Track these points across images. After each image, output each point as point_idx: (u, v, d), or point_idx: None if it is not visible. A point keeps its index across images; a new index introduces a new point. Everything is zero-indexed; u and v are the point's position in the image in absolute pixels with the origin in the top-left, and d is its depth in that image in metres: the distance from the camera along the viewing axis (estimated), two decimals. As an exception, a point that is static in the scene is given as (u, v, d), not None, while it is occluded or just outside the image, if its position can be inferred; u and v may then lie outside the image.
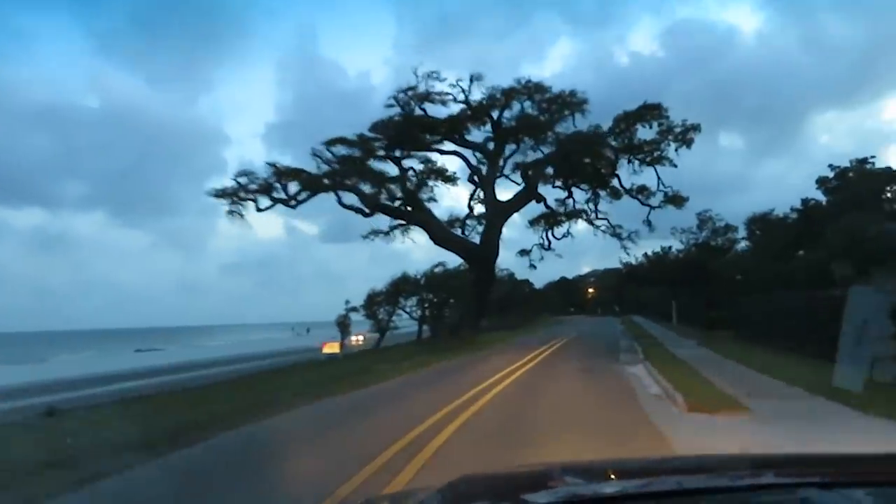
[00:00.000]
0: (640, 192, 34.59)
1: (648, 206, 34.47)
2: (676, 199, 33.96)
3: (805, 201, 36.86)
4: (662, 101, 32.38)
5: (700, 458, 3.28)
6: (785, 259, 33.66)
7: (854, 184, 33.16)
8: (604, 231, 36.16)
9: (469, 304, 31.48)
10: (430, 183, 33.32)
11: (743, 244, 45.98)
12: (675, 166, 32.75)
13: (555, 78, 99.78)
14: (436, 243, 31.78)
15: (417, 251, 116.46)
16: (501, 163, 33.73)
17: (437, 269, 41.40)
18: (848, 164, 34.74)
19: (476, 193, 34.55)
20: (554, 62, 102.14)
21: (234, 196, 28.92)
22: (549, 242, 36.94)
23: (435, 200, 31.91)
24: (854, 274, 17.20)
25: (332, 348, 33.82)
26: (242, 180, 29.12)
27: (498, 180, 33.81)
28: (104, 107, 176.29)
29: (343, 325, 38.64)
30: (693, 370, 15.61)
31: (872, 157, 34.67)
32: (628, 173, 33.81)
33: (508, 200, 32.43)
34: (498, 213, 31.47)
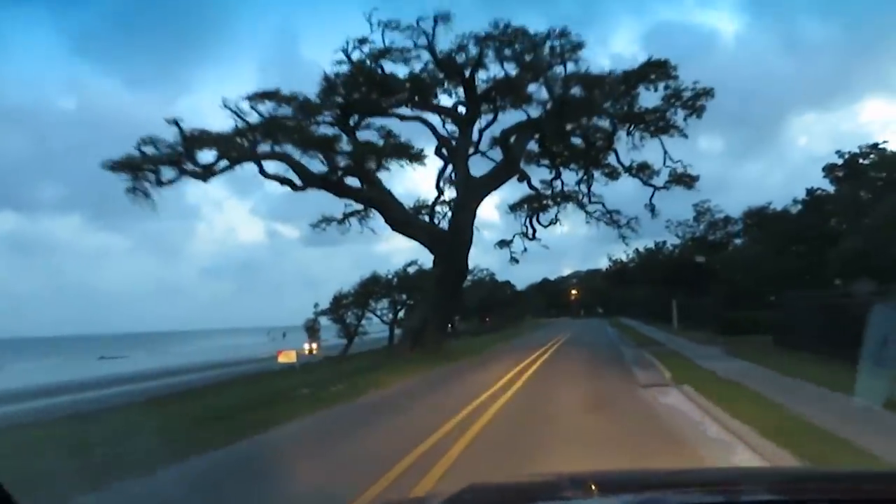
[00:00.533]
0: (642, 171, 28.91)
1: (652, 186, 28.83)
2: (685, 179, 28.24)
3: (811, 191, 33.69)
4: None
5: (708, 471, 3.56)
6: (799, 254, 29.19)
7: (864, 171, 28.73)
8: (598, 218, 30.60)
9: (437, 304, 25.25)
10: (395, 162, 27.30)
11: (739, 240, 42.07)
12: (686, 136, 27.14)
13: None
14: (394, 228, 25.47)
15: (400, 254, 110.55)
16: (476, 135, 27.66)
17: (409, 268, 36.70)
18: (857, 150, 30.40)
19: (446, 172, 28.37)
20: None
21: (136, 169, 22.52)
22: (534, 231, 31.08)
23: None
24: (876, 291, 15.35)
25: (287, 357, 29.31)
26: (148, 150, 22.75)
27: (473, 158, 27.74)
28: (80, 107, 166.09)
29: (312, 330, 35.15)
30: (773, 404, 9.75)
31: (885, 141, 30.42)
32: (627, 148, 28.13)
33: (484, 176, 26.15)
34: (471, 192, 25.24)
